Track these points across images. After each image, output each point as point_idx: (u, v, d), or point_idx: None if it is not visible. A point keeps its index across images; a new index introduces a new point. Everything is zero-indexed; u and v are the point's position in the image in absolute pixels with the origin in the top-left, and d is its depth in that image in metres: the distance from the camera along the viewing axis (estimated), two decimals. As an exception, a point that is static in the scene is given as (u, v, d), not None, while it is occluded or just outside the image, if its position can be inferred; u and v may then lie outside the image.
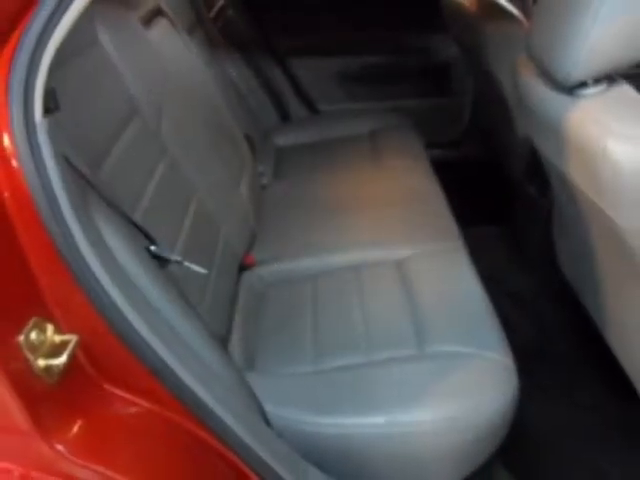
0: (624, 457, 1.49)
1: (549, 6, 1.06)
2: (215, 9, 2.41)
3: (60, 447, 0.77)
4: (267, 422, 1.13)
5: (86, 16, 0.80)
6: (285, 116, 2.71)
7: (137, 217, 1.17)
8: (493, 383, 1.18)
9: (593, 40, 0.94)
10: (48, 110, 0.78)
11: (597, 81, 1.01)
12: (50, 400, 0.77)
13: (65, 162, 0.83)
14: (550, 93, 1.08)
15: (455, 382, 1.17)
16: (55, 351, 0.77)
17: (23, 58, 0.74)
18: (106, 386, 0.86)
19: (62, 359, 0.76)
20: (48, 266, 0.78)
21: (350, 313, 1.39)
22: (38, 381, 0.75)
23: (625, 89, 1.03)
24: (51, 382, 0.77)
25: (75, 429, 0.79)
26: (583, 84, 1.01)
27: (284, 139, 2.44)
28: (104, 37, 1.33)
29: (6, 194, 0.74)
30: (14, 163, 0.74)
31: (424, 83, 2.71)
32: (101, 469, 0.79)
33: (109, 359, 0.85)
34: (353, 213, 1.80)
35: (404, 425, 1.12)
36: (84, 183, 0.97)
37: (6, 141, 0.74)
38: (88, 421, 0.81)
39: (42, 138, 0.76)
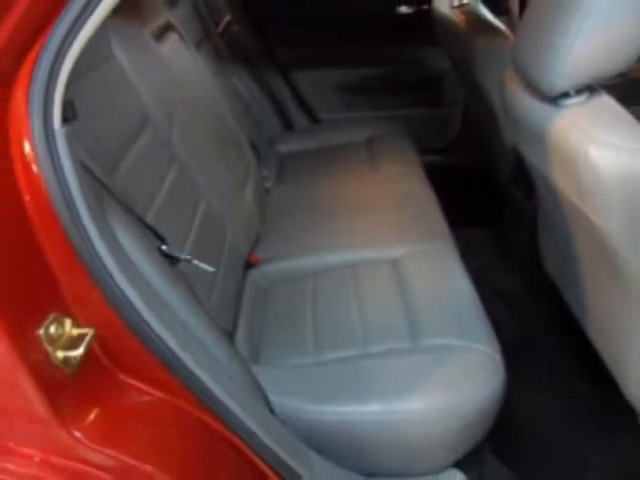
0: (603, 443, 1.49)
1: (534, 21, 1.06)
2: (222, 24, 2.41)
3: (78, 434, 0.77)
4: (271, 410, 1.13)
5: (102, 32, 0.80)
6: (287, 124, 2.71)
7: (149, 219, 1.17)
8: (481, 374, 1.18)
9: (576, 53, 0.94)
10: (66, 119, 0.78)
11: (579, 92, 1.01)
12: (68, 390, 0.77)
13: (82, 168, 0.83)
14: (535, 103, 1.08)
15: (446, 373, 1.17)
16: (73, 344, 0.77)
17: (43, 71, 0.74)
18: (121, 377, 0.86)
19: (79, 351, 0.77)
20: (66, 265, 0.78)
21: (348, 309, 1.39)
22: (57, 372, 0.76)
23: (605, 99, 1.03)
24: (69, 373, 0.77)
25: (92, 417, 0.79)
26: (566, 94, 1.01)
27: (287, 146, 2.44)
28: (118, 51, 1.33)
29: (27, 198, 0.74)
30: (34, 169, 0.74)
31: (418, 94, 2.71)
32: (116, 454, 0.79)
33: (123, 351, 0.85)
34: (351, 215, 1.80)
35: (399, 413, 1.13)
36: (100, 187, 0.98)
37: (27, 148, 0.74)
38: (104, 409, 0.81)
39: (60, 145, 0.76)
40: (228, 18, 2.47)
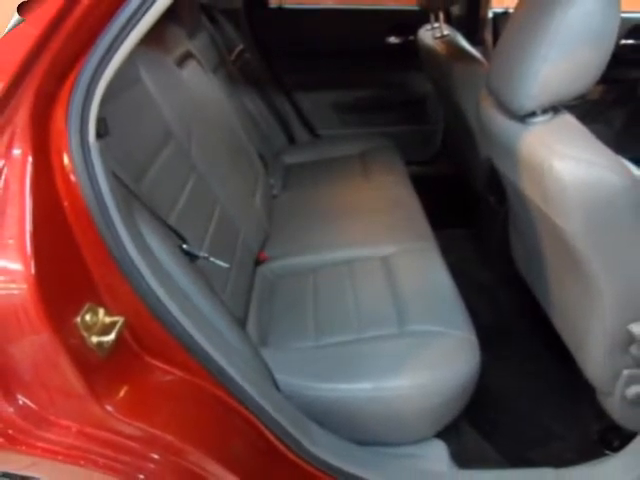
0: (566, 415, 1.49)
1: (506, 50, 1.06)
2: (235, 53, 2.41)
3: (109, 408, 0.77)
4: (277, 388, 1.13)
5: (131, 59, 0.80)
6: (291, 139, 2.70)
7: (171, 221, 1.17)
8: (460, 356, 1.18)
9: (542, 78, 0.94)
10: (100, 135, 0.78)
11: (544, 111, 1.01)
12: (101, 370, 0.78)
13: (113, 177, 0.83)
14: (506, 121, 1.08)
15: (429, 355, 1.17)
16: (105, 330, 0.77)
17: (80, 93, 0.74)
18: (147, 359, 0.86)
19: (111, 337, 0.77)
20: (100, 261, 0.78)
21: (344, 299, 1.39)
22: (92, 354, 0.76)
23: (567, 118, 1.03)
24: (102, 355, 0.77)
25: (121, 393, 0.80)
26: (533, 114, 1.01)
27: (291, 158, 2.43)
28: (145, 75, 1.33)
29: (66, 203, 0.74)
30: (72, 178, 0.74)
31: (404, 113, 2.71)
32: (143, 426, 0.79)
33: (149, 337, 0.85)
34: (347, 218, 1.80)
35: (387, 390, 1.12)
36: (129, 194, 0.98)
37: (66, 160, 0.74)
38: (132, 387, 0.81)
39: (95, 157, 0.76)
40: (240, 47, 2.46)
